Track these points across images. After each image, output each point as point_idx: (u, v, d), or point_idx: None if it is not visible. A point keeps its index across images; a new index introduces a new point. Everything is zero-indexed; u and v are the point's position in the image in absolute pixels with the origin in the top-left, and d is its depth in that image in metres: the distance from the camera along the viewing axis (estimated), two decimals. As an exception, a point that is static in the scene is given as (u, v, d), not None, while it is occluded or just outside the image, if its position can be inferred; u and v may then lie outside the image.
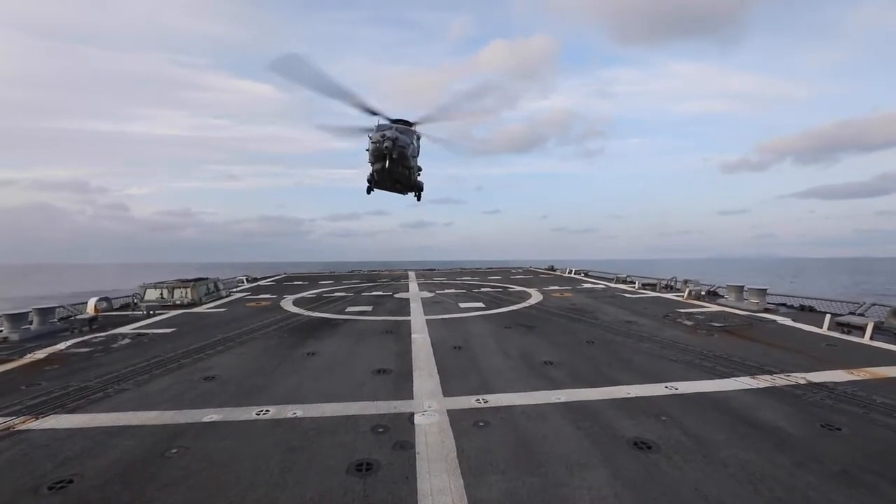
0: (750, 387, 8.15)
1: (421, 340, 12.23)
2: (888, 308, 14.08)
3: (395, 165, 20.73)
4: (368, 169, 22.57)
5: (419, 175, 24.87)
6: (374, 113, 21.11)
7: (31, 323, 14.25)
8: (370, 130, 21.24)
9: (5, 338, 13.06)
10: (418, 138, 22.76)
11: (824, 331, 12.80)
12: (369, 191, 24.49)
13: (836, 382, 8.31)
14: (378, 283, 29.75)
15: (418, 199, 26.71)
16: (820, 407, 7.17)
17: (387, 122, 21.06)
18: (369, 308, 18.61)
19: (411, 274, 38.06)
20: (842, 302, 16.77)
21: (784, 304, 18.25)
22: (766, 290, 17.61)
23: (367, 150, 21.30)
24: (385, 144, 19.52)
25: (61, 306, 17.22)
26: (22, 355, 11.20)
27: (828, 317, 13.47)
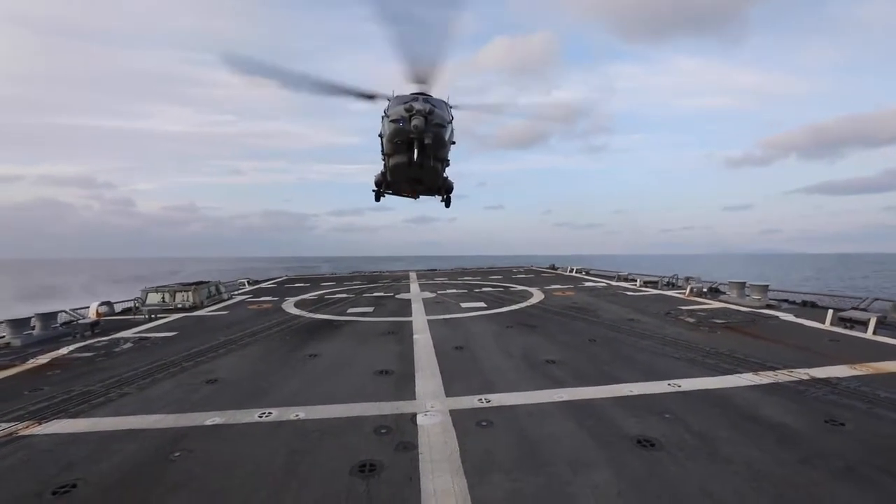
0: (753, 383, 8.13)
1: (423, 341, 12.22)
2: (891, 302, 14.07)
3: (425, 157, 13.95)
4: (374, 165, 16.73)
5: (447, 169, 17.42)
6: (370, 97, 15.02)
7: (33, 328, 14.27)
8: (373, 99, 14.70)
9: (7, 343, 13.08)
10: (452, 118, 15.20)
11: (827, 326, 12.77)
12: (378, 197, 18.70)
13: (839, 378, 8.28)
14: (379, 284, 29.74)
15: (447, 203, 19.56)
16: (823, 403, 7.15)
17: (407, 94, 14.02)
18: (371, 309, 18.59)
19: (412, 274, 38.03)
20: (844, 297, 16.75)
21: (786, 300, 18.22)
22: (767, 286, 17.58)
23: (381, 135, 15.08)
24: (414, 123, 12.71)
25: (63, 311, 17.24)
26: (24, 361, 11.20)
27: (830, 312, 13.43)
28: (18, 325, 13.66)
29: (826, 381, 8.11)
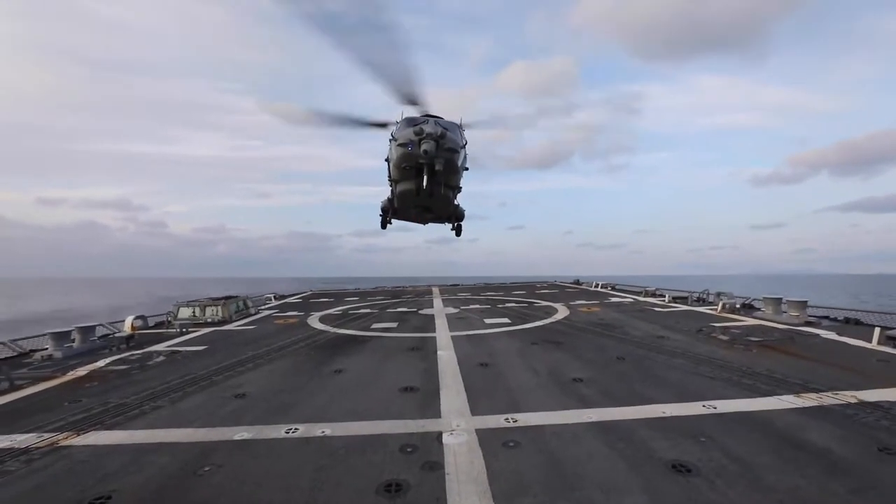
0: (795, 406, 7.71)
1: (447, 357, 12.14)
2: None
3: (435, 184, 12.97)
4: (384, 190, 15.51)
5: (459, 196, 16.03)
6: (383, 125, 14.01)
7: (73, 341, 14.89)
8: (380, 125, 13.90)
9: (50, 355, 13.68)
10: (466, 142, 14.10)
11: (874, 345, 12.05)
12: (385, 224, 17.86)
13: (891, 402, 7.76)
14: (403, 300, 29.84)
15: (458, 232, 18.83)
16: (875, 429, 6.70)
17: (417, 116, 13.05)
18: (395, 325, 18.63)
19: (435, 290, 37.98)
20: (892, 314, 15.78)
21: (827, 317, 17.31)
22: (806, 301, 16.75)
23: (388, 159, 14.26)
24: (424, 147, 11.70)
25: (101, 324, 17.96)
26: (65, 372, 11.68)
27: (877, 330, 12.68)
28: (60, 337, 14.28)
29: (877, 406, 7.61)
